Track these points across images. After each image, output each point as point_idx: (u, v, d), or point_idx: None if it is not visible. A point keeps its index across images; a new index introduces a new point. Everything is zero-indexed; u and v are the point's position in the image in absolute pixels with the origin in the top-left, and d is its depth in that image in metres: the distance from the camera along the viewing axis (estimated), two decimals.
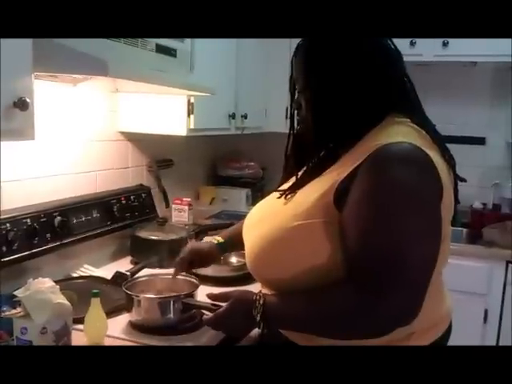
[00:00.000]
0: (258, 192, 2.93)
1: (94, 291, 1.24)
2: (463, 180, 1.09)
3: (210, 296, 1.21)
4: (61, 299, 1.08)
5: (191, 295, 1.35)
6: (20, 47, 1.07)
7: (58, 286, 1.11)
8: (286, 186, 1.18)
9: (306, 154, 1.18)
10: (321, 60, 1.09)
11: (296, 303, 1.06)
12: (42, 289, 1.05)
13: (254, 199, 2.84)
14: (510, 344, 2.48)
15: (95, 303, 1.24)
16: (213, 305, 1.22)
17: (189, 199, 2.43)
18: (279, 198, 1.15)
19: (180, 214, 2.40)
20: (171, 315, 1.32)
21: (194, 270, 1.73)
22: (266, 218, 1.16)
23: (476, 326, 2.55)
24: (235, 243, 1.43)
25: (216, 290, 1.60)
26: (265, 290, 1.16)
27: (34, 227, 1.55)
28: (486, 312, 2.54)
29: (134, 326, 1.36)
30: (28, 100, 1.07)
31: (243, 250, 1.24)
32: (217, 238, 1.50)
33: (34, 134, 1.15)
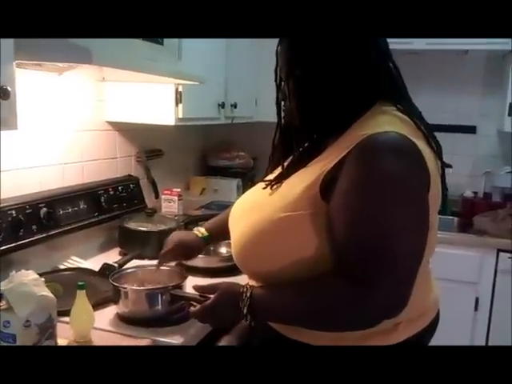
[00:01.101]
0: (248, 182, 2.90)
1: (80, 283, 1.22)
2: (449, 166, 1.07)
3: (196, 288, 1.19)
4: (45, 291, 1.06)
5: (179, 287, 1.34)
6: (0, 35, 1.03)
7: (42, 279, 1.09)
8: (271, 177, 1.16)
9: (292, 144, 1.16)
10: (304, 48, 1.06)
11: (283, 296, 1.04)
12: (24, 281, 1.03)
13: (245, 189, 2.80)
14: (500, 332, 2.50)
15: (81, 295, 1.22)
16: (201, 296, 1.20)
17: (179, 190, 2.41)
18: (265, 188, 1.13)
19: (170, 204, 2.38)
20: (159, 307, 1.31)
21: (182, 261, 1.72)
22: (251, 210, 1.15)
23: (467, 314, 2.56)
24: (220, 234, 1.41)
25: (205, 281, 1.59)
26: (252, 282, 1.14)
27: (20, 219, 1.52)
28: (476, 300, 2.55)
29: (122, 318, 1.34)
30: (9, 89, 1.05)
31: (229, 239, 1.22)
32: (201, 231, 1.47)
33: (17, 124, 1.12)
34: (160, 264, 1.45)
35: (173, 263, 1.58)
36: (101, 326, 1.29)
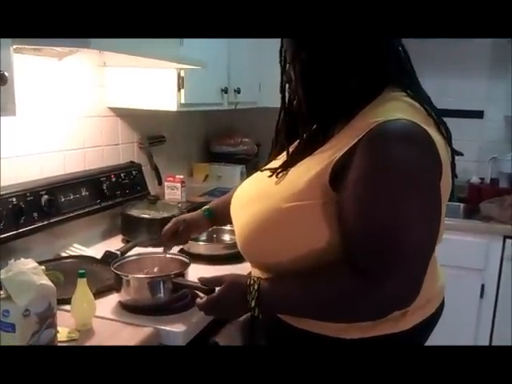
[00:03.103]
0: (252, 169, 2.86)
1: (81, 271, 1.21)
2: (460, 154, 1.05)
3: (201, 280, 1.17)
4: (44, 280, 1.04)
5: (182, 274, 1.32)
6: None
7: (41, 267, 1.07)
8: (275, 164, 1.13)
9: (296, 128, 1.13)
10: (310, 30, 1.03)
11: (292, 288, 1.02)
12: (23, 270, 1.01)
13: (249, 176, 2.78)
14: (505, 320, 2.49)
15: (82, 284, 1.21)
16: (203, 284, 1.19)
17: (182, 176, 2.39)
18: (270, 176, 1.10)
19: (173, 191, 2.36)
20: (161, 295, 1.29)
21: (185, 249, 1.71)
22: (256, 199, 1.12)
23: (473, 301, 2.55)
24: (224, 212, 1.38)
25: (209, 269, 1.59)
26: (255, 272, 1.13)
27: (20, 206, 1.51)
28: (482, 287, 2.54)
29: (124, 306, 1.33)
30: (6, 74, 1.03)
31: (232, 222, 1.21)
32: (203, 208, 1.48)
33: (15, 110, 1.10)
34: (163, 244, 1.46)
35: (177, 248, 1.57)
36: (102, 314, 1.28)
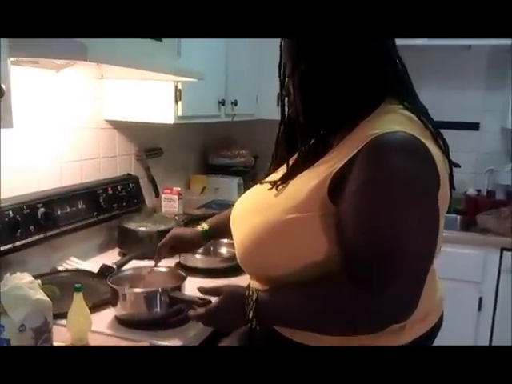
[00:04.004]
0: (249, 181, 2.87)
1: (77, 286, 1.20)
2: (457, 165, 1.05)
3: (200, 289, 1.17)
4: (40, 295, 1.03)
5: (178, 288, 1.31)
6: None
7: (37, 281, 1.06)
8: (275, 176, 1.13)
9: (296, 141, 1.13)
10: (309, 43, 1.04)
11: (290, 300, 1.02)
12: (19, 284, 1.00)
13: (246, 188, 2.78)
14: (503, 333, 2.48)
15: (78, 298, 1.20)
16: (200, 298, 1.18)
17: (179, 189, 2.39)
18: (270, 189, 1.10)
19: (170, 203, 2.35)
20: (158, 309, 1.29)
21: (182, 262, 1.71)
22: (256, 211, 1.11)
23: (470, 313, 2.54)
24: (222, 231, 1.39)
25: (206, 282, 1.57)
26: (254, 284, 1.12)
27: (17, 219, 1.50)
28: (480, 300, 2.53)
29: (120, 321, 1.32)
30: (4, 86, 1.03)
31: (231, 238, 1.20)
32: (202, 225, 1.48)
33: (12, 122, 1.10)
34: (157, 259, 1.45)
35: (172, 262, 1.56)
36: (98, 329, 1.27)
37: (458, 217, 2.80)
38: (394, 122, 0.97)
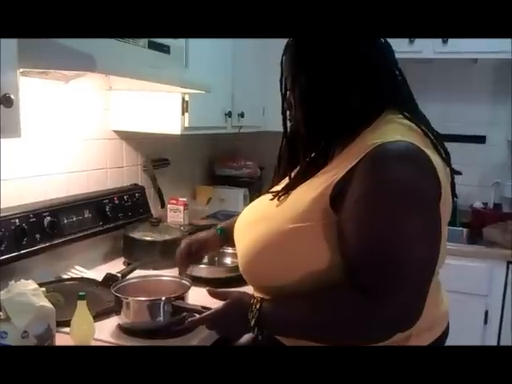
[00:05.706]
0: (255, 192, 2.88)
1: (80, 294, 1.20)
2: (458, 173, 1.06)
3: (210, 292, 1.17)
4: (43, 302, 1.04)
5: (182, 297, 1.32)
6: (4, 42, 1.03)
7: (41, 289, 1.07)
8: (278, 188, 1.14)
9: (298, 154, 1.15)
10: (308, 56, 1.06)
11: (293, 310, 1.02)
12: (23, 291, 1.01)
13: (252, 199, 2.79)
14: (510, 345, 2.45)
15: (81, 306, 1.20)
16: (203, 307, 1.18)
17: (184, 199, 2.40)
18: (272, 199, 1.11)
19: (175, 214, 2.36)
20: (161, 318, 1.29)
21: (187, 272, 1.71)
22: (258, 221, 1.13)
23: (476, 327, 2.52)
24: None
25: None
26: (257, 295, 1.12)
27: (23, 228, 1.51)
28: (486, 313, 2.51)
29: (123, 330, 1.32)
30: (12, 97, 1.04)
31: None
32: (216, 226, 1.48)
33: (20, 132, 1.11)
34: (180, 268, 1.44)
35: (176, 272, 1.57)
36: (101, 337, 1.27)
37: (465, 230, 2.78)
38: (395, 131, 0.98)
